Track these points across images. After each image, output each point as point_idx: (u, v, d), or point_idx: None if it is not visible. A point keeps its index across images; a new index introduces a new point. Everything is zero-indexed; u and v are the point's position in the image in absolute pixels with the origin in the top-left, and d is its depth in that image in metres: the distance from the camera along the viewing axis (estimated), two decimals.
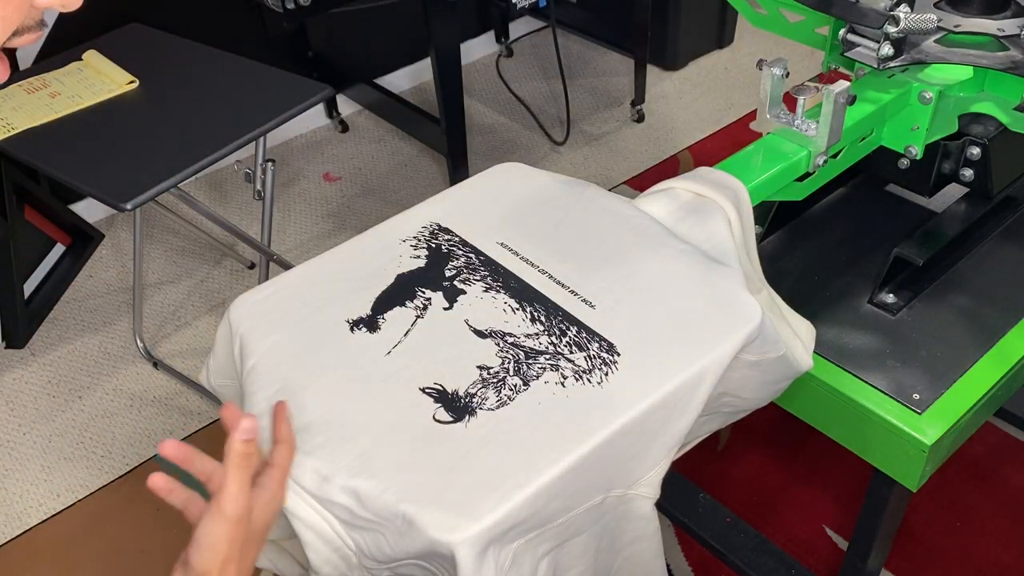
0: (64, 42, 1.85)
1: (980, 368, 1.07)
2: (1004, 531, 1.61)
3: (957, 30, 1.08)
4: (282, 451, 0.75)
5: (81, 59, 1.77)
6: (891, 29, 1.01)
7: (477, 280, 0.95)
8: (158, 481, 0.72)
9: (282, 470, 0.74)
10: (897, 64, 1.06)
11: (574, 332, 0.88)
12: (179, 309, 2.17)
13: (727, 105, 2.80)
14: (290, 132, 2.71)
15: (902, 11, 1.00)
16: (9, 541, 1.70)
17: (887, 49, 1.03)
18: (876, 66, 1.05)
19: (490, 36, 3.05)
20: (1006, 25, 1.07)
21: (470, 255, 0.98)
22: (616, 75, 2.94)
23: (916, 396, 1.03)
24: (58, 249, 2.23)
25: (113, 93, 1.69)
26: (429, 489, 0.75)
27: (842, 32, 1.09)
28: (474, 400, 0.82)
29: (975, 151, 1.15)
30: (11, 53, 0.61)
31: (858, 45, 1.07)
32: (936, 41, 1.08)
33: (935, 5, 1.12)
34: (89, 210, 2.35)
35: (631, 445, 0.82)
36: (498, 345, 0.88)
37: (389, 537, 0.75)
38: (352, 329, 0.90)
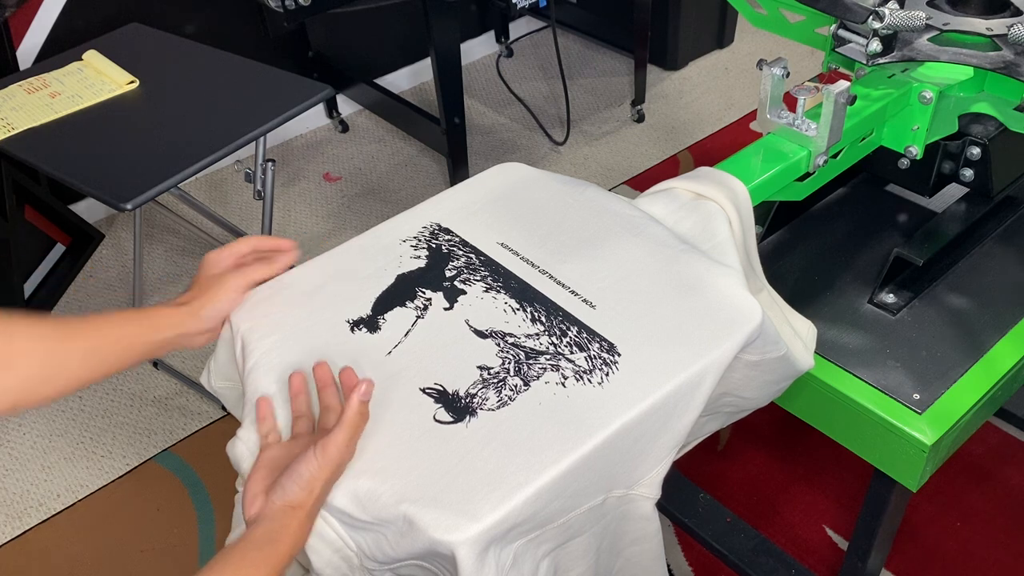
0: (64, 42, 1.85)
1: (980, 368, 1.07)
2: (1004, 531, 1.61)
3: (946, 28, 1.08)
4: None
5: (81, 59, 1.77)
6: (876, 25, 1.00)
7: (477, 280, 0.95)
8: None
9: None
10: (887, 61, 1.05)
11: (574, 332, 0.88)
12: None
13: (727, 105, 2.80)
14: (290, 132, 2.71)
15: (888, 7, 1.00)
16: (9, 541, 1.70)
17: (875, 45, 1.03)
18: (865, 62, 1.05)
19: (490, 36, 3.05)
20: (995, 24, 1.07)
21: (470, 255, 0.98)
22: (616, 75, 2.94)
23: (916, 396, 1.03)
24: (58, 249, 2.23)
25: (113, 93, 1.69)
26: (429, 489, 0.75)
27: (833, 28, 1.09)
28: (475, 400, 0.82)
29: (975, 151, 1.15)
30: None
31: (849, 41, 1.07)
32: (930, 40, 1.08)
33: (928, 3, 1.12)
34: (89, 210, 2.35)
35: (632, 445, 0.82)
36: (498, 345, 0.87)
37: (390, 538, 0.75)
38: (352, 329, 0.90)
